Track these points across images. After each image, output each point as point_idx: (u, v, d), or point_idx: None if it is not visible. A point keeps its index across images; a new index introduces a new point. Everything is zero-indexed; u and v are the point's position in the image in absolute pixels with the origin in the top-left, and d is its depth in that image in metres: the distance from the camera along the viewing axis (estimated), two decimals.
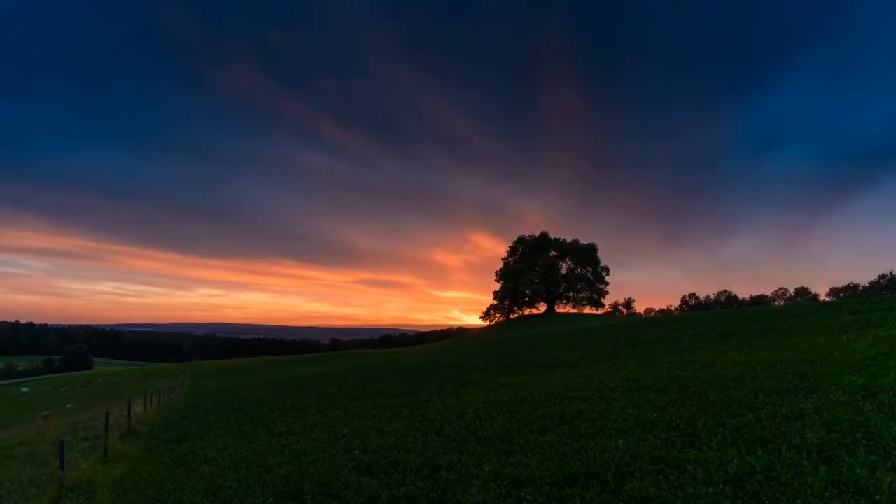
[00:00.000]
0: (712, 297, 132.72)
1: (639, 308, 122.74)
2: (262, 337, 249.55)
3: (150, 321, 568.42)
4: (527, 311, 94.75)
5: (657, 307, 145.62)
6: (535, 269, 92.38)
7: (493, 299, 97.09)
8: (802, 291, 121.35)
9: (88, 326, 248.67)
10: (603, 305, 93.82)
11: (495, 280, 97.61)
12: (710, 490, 4.80)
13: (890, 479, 4.35)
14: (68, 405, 37.03)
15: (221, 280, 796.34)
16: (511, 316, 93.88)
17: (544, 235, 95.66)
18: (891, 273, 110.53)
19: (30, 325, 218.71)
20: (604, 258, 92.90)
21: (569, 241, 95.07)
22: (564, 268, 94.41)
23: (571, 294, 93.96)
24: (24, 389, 54.52)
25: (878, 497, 4.17)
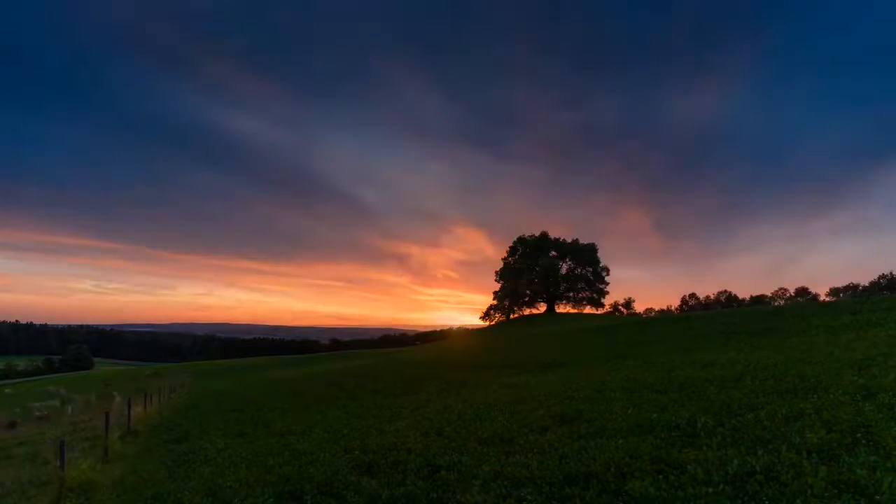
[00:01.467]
0: (712, 297, 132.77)
1: (639, 308, 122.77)
2: (262, 337, 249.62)
3: (151, 321, 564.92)
4: (527, 311, 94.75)
5: (657, 307, 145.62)
6: (535, 269, 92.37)
7: (493, 299, 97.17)
8: (802, 291, 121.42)
9: (88, 326, 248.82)
10: (603, 305, 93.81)
11: (495, 280, 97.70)
12: (710, 490, 4.80)
13: (890, 479, 4.35)
14: (69, 406, 36.97)
15: (198, 278, 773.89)
16: (511, 316, 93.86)
17: (544, 235, 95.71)
18: (891, 273, 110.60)
19: (30, 325, 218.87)
20: (601, 252, 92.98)
21: (569, 241, 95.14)
22: (564, 268, 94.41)
23: (571, 294, 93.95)
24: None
25: (878, 497, 4.17)
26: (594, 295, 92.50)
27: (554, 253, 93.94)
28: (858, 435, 5.64)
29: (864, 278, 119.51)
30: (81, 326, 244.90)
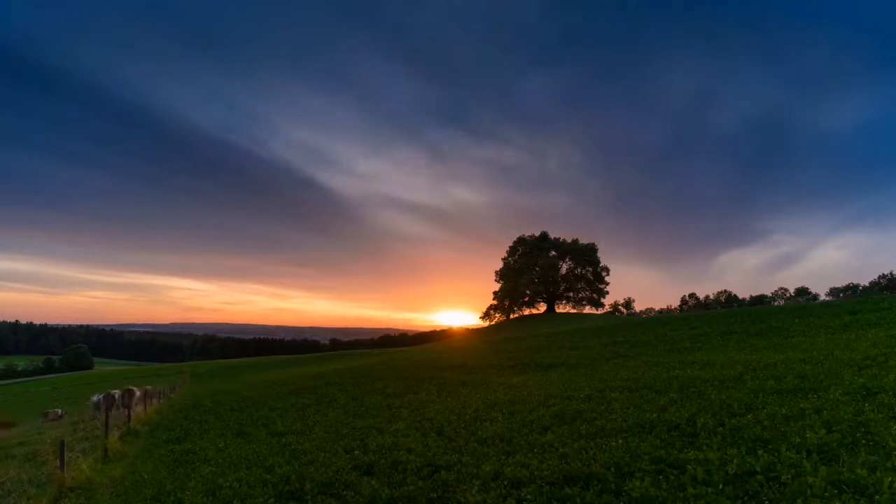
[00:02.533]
0: (712, 297, 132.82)
1: (639, 308, 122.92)
2: (262, 337, 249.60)
3: (151, 321, 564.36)
4: (527, 311, 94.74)
5: (657, 307, 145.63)
6: (535, 269, 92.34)
7: (493, 299, 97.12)
8: (802, 291, 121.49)
9: (88, 326, 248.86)
10: (603, 305, 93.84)
11: (495, 280, 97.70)
12: (710, 490, 4.80)
13: (890, 479, 4.35)
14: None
15: (199, 278, 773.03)
16: (511, 316, 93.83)
17: (544, 235, 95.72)
18: (891, 273, 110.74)
19: (30, 325, 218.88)
20: (601, 253, 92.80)
21: (569, 240, 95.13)
22: (564, 268, 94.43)
23: (571, 294, 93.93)
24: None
25: (878, 497, 4.17)
26: (594, 295, 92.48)
27: (554, 253, 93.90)
28: (858, 435, 5.64)
29: (864, 278, 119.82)
30: (81, 326, 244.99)
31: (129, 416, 16.14)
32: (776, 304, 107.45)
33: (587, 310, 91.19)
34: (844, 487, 4.43)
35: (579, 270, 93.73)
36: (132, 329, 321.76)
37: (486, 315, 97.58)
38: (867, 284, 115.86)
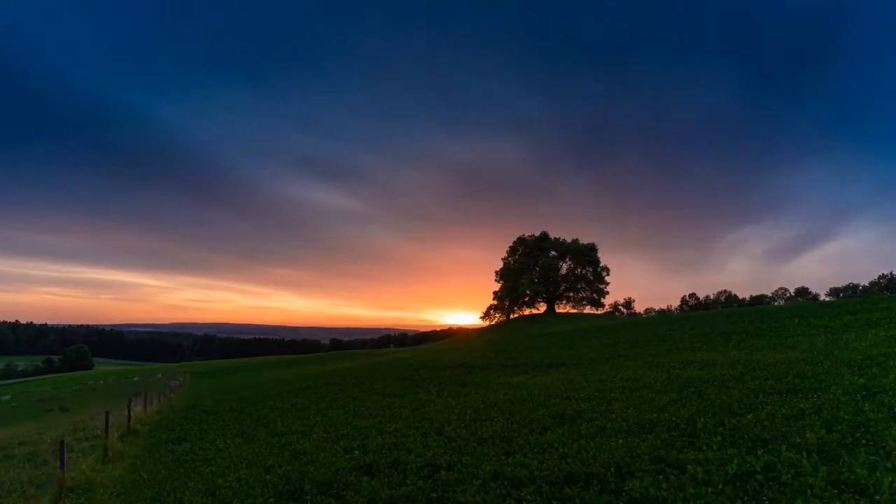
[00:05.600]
0: (712, 297, 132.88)
1: (639, 308, 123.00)
2: (261, 337, 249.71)
3: (151, 321, 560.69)
4: (527, 311, 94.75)
5: (657, 307, 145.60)
6: (535, 269, 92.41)
7: (493, 299, 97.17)
8: (802, 291, 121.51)
9: (88, 326, 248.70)
10: (603, 305, 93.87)
11: (495, 280, 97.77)
12: (710, 490, 4.80)
13: (890, 479, 4.35)
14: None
15: (198, 278, 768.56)
16: (511, 316, 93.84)
17: (544, 235, 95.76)
18: (891, 273, 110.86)
19: (30, 325, 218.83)
20: (601, 253, 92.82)
21: (569, 240, 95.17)
22: (564, 268, 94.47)
23: (571, 294, 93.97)
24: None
25: (878, 497, 4.17)
26: (594, 295, 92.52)
27: (554, 253, 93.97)
28: (858, 435, 5.63)
29: (864, 278, 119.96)
30: (81, 326, 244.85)
31: (128, 416, 16.14)
32: (776, 304, 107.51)
33: (587, 310, 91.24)
34: (844, 487, 4.43)
35: (579, 270, 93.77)
36: (132, 329, 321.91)
37: (486, 315, 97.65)
38: (867, 284, 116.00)
